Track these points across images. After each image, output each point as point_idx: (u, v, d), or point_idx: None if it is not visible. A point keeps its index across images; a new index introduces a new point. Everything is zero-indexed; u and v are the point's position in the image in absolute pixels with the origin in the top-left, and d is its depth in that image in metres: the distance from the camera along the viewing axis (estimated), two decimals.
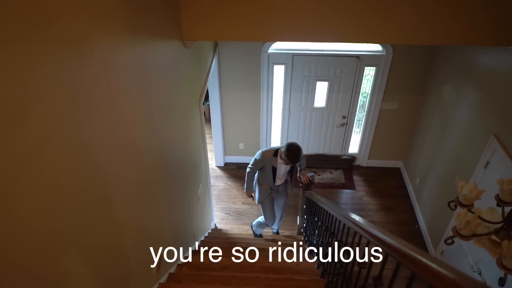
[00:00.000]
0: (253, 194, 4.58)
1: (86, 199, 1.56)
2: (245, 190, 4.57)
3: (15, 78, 1.07)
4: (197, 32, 3.12)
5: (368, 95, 5.72)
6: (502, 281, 1.91)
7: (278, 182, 4.41)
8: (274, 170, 4.21)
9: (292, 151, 3.85)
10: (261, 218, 4.88)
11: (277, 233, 5.21)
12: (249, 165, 4.33)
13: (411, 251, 1.09)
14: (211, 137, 6.35)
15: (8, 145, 1.07)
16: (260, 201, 4.57)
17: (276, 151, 4.11)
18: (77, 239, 1.51)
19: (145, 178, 2.32)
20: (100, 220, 1.72)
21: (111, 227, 1.85)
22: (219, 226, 5.42)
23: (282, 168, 4.25)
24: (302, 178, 4.26)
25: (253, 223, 5.12)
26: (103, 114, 1.66)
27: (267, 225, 4.84)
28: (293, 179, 4.50)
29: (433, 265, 0.93)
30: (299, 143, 6.15)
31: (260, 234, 5.13)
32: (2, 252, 1.08)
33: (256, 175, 4.43)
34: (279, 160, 4.11)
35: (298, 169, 4.41)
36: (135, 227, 2.19)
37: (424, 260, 1.02)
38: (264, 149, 4.25)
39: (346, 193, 6.00)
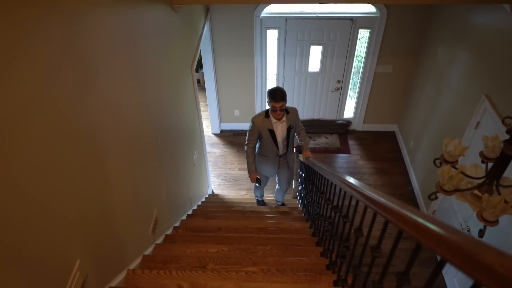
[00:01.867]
0: (258, 177, 4.05)
1: (77, 159, 1.60)
2: (248, 175, 4.06)
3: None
4: None
5: (363, 59, 5.67)
6: (481, 233, 1.99)
7: (282, 147, 3.95)
8: (273, 134, 3.80)
9: (274, 88, 3.54)
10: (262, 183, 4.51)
11: (282, 205, 4.98)
12: (245, 143, 3.92)
13: (386, 200, 1.14)
14: (207, 105, 6.35)
15: None
16: (267, 178, 4.25)
17: (266, 112, 3.72)
18: (67, 199, 1.57)
19: (136, 141, 2.35)
20: (92, 180, 1.77)
21: (103, 187, 1.90)
22: (216, 191, 5.52)
23: (279, 129, 3.79)
24: (303, 157, 3.93)
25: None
26: (89, 79, 1.68)
27: (258, 186, 4.54)
28: (290, 149, 4.07)
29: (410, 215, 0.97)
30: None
31: (263, 201, 4.94)
32: None
33: (257, 149, 4.00)
34: (273, 120, 3.71)
35: (297, 138, 4.07)
36: (128, 189, 2.25)
37: (399, 208, 1.06)
38: (253, 116, 3.85)
39: (341, 157, 6.07)
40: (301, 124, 4.01)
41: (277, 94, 3.49)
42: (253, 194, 5.09)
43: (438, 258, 0.85)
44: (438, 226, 0.78)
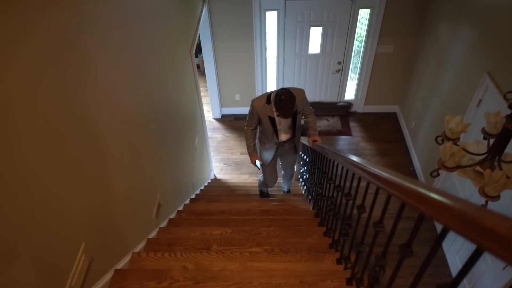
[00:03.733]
0: (257, 161, 3.70)
1: (78, 145, 1.60)
2: (250, 159, 3.72)
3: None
4: None
5: (363, 39, 5.62)
6: None
7: (284, 137, 3.55)
8: (273, 121, 3.38)
9: (283, 101, 2.96)
10: (261, 176, 4.17)
11: (289, 192, 4.67)
12: (245, 124, 3.54)
13: (388, 174, 1.14)
14: (207, 90, 6.32)
15: None
16: (265, 165, 3.80)
17: (269, 97, 3.24)
18: (70, 184, 1.57)
19: (138, 127, 2.35)
20: (94, 166, 1.78)
21: (105, 172, 1.91)
22: (218, 176, 5.54)
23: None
24: (310, 142, 3.54)
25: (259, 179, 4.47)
26: (89, 65, 1.66)
27: (267, 184, 4.15)
28: (297, 134, 3.63)
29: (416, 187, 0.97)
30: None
31: (267, 193, 4.47)
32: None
33: (257, 133, 3.64)
34: (274, 108, 3.19)
35: (305, 122, 3.59)
36: (130, 174, 2.25)
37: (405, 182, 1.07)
38: (255, 97, 3.41)
39: (342, 139, 6.07)
40: (310, 107, 3.52)
41: (283, 110, 3.00)
42: (255, 178, 5.03)
43: (439, 231, 0.85)
44: (441, 195, 0.78)
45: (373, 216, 1.53)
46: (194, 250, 2.41)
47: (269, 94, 3.25)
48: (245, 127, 3.56)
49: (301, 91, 3.30)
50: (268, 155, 3.72)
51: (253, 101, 3.34)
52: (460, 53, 4.10)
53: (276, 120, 3.36)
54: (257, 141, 3.72)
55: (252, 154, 3.66)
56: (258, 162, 3.70)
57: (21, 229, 1.26)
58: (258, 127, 3.58)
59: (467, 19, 3.96)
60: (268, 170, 3.89)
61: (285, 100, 2.95)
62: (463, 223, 0.66)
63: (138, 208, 2.44)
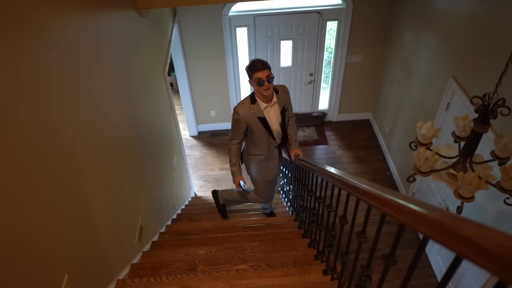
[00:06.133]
0: (241, 181, 3.34)
1: (55, 174, 1.57)
2: (232, 179, 3.37)
3: None
4: None
5: (333, 50, 5.76)
6: (459, 210, 2.06)
7: (278, 139, 3.26)
8: (265, 123, 3.05)
9: (252, 60, 2.88)
10: (249, 189, 3.72)
11: (272, 214, 4.16)
12: (230, 139, 3.19)
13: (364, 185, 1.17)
14: (182, 108, 6.31)
15: None
16: (267, 179, 3.43)
17: (251, 97, 3.01)
18: (49, 214, 1.54)
19: (114, 151, 2.33)
20: (71, 195, 1.75)
21: (84, 200, 1.88)
22: (198, 193, 5.50)
23: (272, 114, 3.07)
24: (291, 155, 3.30)
25: (226, 197, 3.95)
26: (63, 91, 1.65)
27: (262, 202, 3.70)
28: (285, 133, 3.29)
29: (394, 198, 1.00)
30: None
31: (226, 213, 4.04)
32: None
33: (246, 149, 3.33)
34: (262, 105, 2.99)
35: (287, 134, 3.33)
36: (110, 199, 2.22)
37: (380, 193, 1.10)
38: (236, 105, 3.09)
39: (319, 149, 6.15)
40: (293, 113, 3.38)
41: (257, 63, 2.81)
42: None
43: (421, 237, 0.89)
44: (419, 206, 0.82)
45: (356, 223, 1.57)
46: (179, 272, 2.39)
47: (251, 95, 3.04)
48: (230, 142, 3.19)
49: (285, 86, 3.15)
50: (272, 168, 3.34)
51: (236, 108, 3.02)
52: (426, 60, 4.25)
53: (267, 119, 3.04)
54: (248, 159, 3.34)
55: (236, 173, 3.29)
56: (242, 183, 3.33)
57: (2, 261, 1.22)
58: (245, 141, 3.27)
59: (430, 27, 4.13)
60: (267, 184, 3.50)
61: (256, 58, 2.88)
62: (441, 232, 0.69)
63: (120, 234, 2.40)
